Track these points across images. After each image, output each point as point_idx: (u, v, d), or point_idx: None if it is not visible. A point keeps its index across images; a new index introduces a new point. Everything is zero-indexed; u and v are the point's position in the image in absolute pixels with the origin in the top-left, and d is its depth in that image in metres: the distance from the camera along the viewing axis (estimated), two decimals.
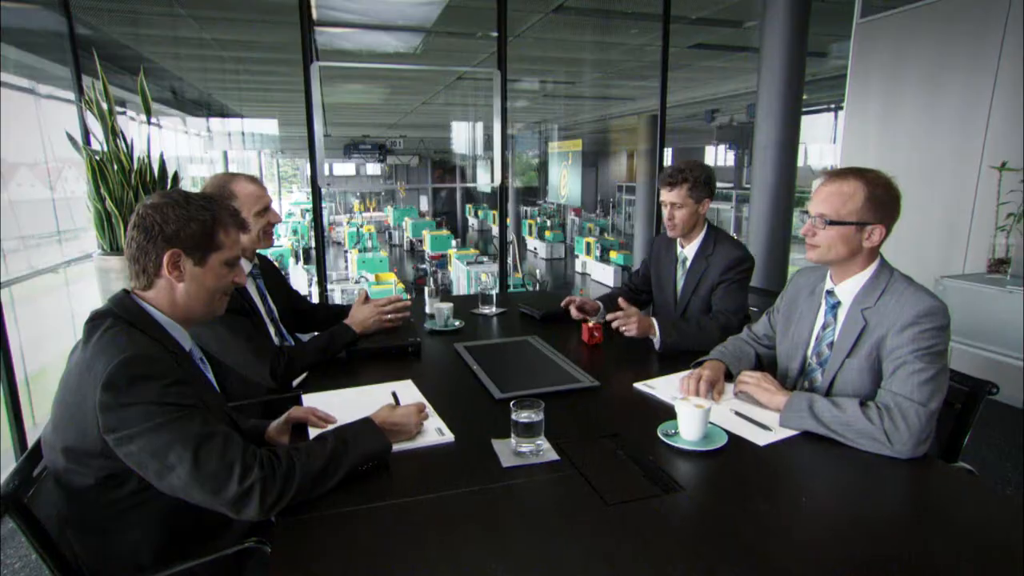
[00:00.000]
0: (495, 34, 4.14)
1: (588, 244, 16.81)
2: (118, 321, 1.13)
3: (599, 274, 15.76)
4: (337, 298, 11.26)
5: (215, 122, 10.42)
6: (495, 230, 21.79)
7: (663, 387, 1.65)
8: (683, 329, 2.05)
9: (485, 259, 14.38)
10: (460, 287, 13.40)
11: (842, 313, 1.48)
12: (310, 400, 1.58)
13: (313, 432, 1.39)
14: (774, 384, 1.48)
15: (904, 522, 1.12)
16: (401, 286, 12.54)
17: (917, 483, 1.24)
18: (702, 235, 2.26)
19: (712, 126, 12.91)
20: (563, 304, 2.39)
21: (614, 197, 21.97)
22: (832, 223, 1.42)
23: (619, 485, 1.17)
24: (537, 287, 13.51)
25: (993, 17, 3.29)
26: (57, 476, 1.10)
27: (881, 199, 1.39)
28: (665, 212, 2.22)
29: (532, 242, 20.00)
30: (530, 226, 20.44)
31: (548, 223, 20.43)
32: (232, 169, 11.05)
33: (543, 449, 1.29)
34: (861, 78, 4.11)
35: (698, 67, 8.00)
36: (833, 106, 11.07)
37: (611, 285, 15.05)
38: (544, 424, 1.28)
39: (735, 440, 1.34)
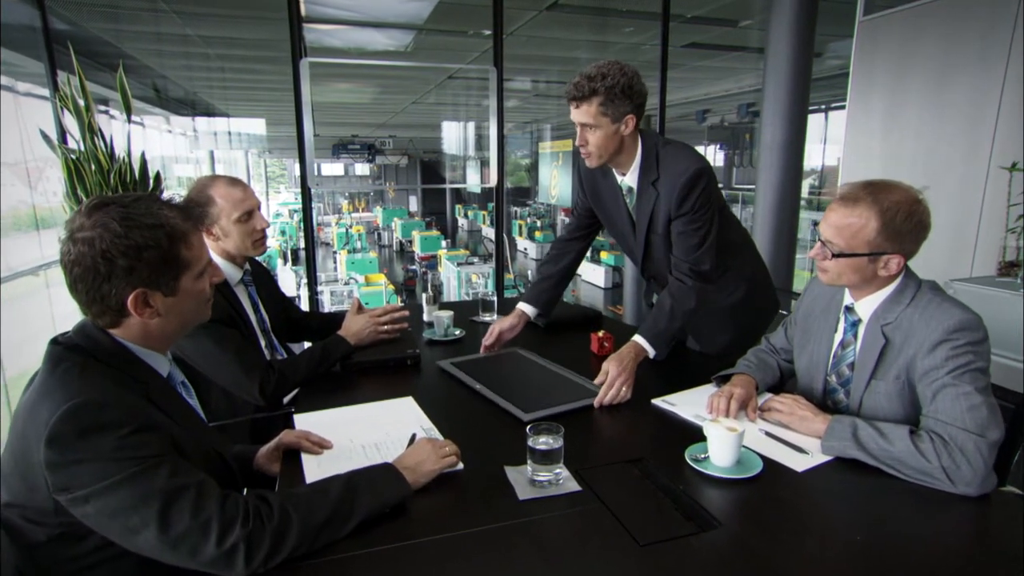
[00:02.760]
0: (488, 32, 4.02)
1: None
2: (74, 352, 0.97)
3: (590, 275, 15.63)
4: (326, 299, 11.07)
5: (201, 121, 10.19)
6: (485, 231, 21.74)
7: (684, 403, 1.53)
8: (659, 325, 1.67)
9: (475, 260, 14.23)
10: (450, 288, 13.24)
11: (863, 330, 1.36)
12: (303, 421, 1.45)
13: (307, 459, 1.27)
14: (810, 408, 1.35)
15: (963, 556, 1.02)
16: (391, 287, 12.36)
17: (971, 510, 1.13)
18: (638, 156, 1.72)
19: (703, 127, 12.87)
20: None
21: None
22: (840, 255, 1.29)
23: (650, 521, 1.05)
24: None
25: (1002, 13, 3.22)
26: (6, 528, 0.95)
27: (899, 228, 1.23)
28: (577, 135, 1.68)
29: (522, 242, 19.87)
30: (520, 226, 20.31)
31: (538, 223, 20.31)
32: (219, 169, 10.86)
33: (562, 478, 1.17)
34: (864, 77, 4.03)
35: (691, 67, 7.92)
36: (824, 107, 11.06)
37: (602, 285, 14.96)
38: (564, 450, 1.17)
39: (770, 466, 1.23)
